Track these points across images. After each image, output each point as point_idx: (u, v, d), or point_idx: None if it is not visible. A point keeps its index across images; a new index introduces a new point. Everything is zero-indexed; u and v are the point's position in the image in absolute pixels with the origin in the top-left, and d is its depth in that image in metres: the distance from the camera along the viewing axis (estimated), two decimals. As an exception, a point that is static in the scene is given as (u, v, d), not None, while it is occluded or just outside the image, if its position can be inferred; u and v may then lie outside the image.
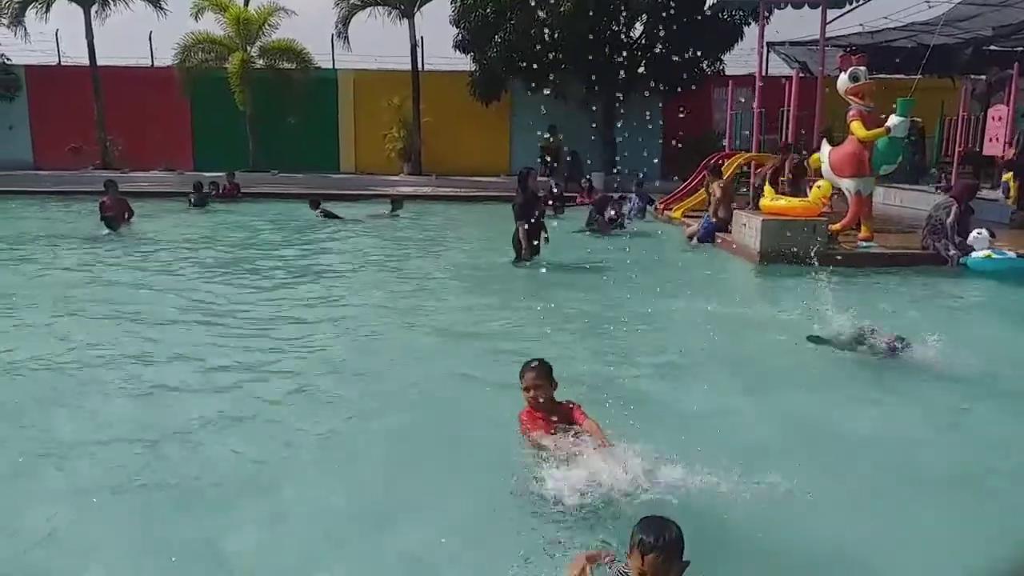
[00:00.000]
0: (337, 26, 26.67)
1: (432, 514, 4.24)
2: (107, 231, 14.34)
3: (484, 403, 5.71)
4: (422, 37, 26.64)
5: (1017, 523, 4.27)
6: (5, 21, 26.46)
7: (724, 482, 4.22)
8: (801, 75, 18.57)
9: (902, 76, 21.01)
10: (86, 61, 26.68)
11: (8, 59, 27.18)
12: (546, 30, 22.40)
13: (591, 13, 21.88)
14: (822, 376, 6.68)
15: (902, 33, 21.27)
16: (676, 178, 20.95)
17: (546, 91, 22.69)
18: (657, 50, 23.12)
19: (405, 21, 25.98)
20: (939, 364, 6.57)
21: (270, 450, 5.09)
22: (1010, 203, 14.89)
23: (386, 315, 8.84)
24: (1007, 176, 15.12)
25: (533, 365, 4.65)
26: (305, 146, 26.49)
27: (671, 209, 17.61)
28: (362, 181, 24.75)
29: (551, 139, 24.93)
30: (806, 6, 16.72)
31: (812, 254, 11.01)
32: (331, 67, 27.93)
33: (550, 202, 18.17)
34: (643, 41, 24.55)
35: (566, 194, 19.73)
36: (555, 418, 4.58)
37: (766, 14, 17.53)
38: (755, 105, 17.40)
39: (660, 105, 24.61)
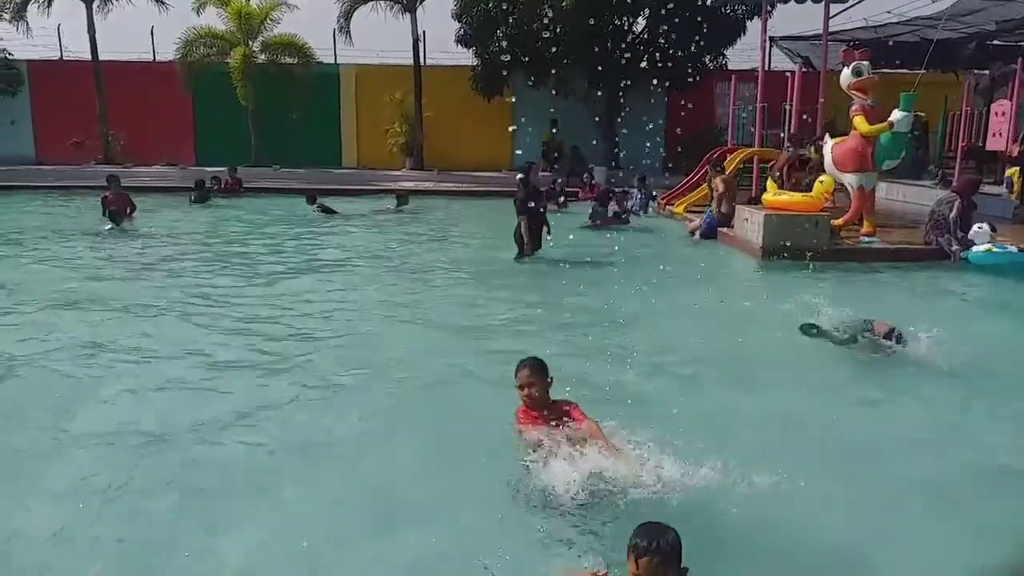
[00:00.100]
0: (339, 20, 26.63)
1: (431, 514, 4.24)
2: (110, 226, 14.36)
3: (484, 400, 5.69)
4: (424, 32, 26.64)
5: (1017, 523, 4.26)
6: (7, 16, 26.47)
7: (724, 481, 4.22)
8: (804, 70, 18.53)
9: (905, 71, 20.96)
10: (88, 56, 26.67)
11: (10, 54, 27.17)
12: (548, 24, 22.38)
13: (593, 7, 21.82)
14: (823, 373, 6.67)
15: (905, 28, 21.20)
16: (669, 173, 21.00)
17: (548, 86, 22.70)
18: (660, 45, 23.09)
19: (407, 15, 25.92)
20: (940, 360, 6.55)
21: (268, 449, 5.09)
22: (1014, 198, 14.87)
23: (387, 310, 8.84)
24: (1011, 171, 15.09)
25: (526, 363, 4.63)
26: (307, 141, 26.47)
27: (673, 204, 17.60)
28: (364, 176, 24.73)
29: (553, 133, 24.91)
30: (809, 0, 16.69)
31: (814, 249, 11.05)
32: (333, 62, 27.90)
33: (561, 199, 18.25)
34: (645, 36, 24.51)
35: (568, 189, 19.74)
36: (551, 416, 4.56)
37: (768, 8, 17.47)
38: (758, 100, 17.35)
39: (663, 100, 24.58)
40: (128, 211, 15.26)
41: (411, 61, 26.32)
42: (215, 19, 26.57)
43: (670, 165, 23.56)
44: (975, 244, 11.09)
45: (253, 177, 22.62)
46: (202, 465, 4.83)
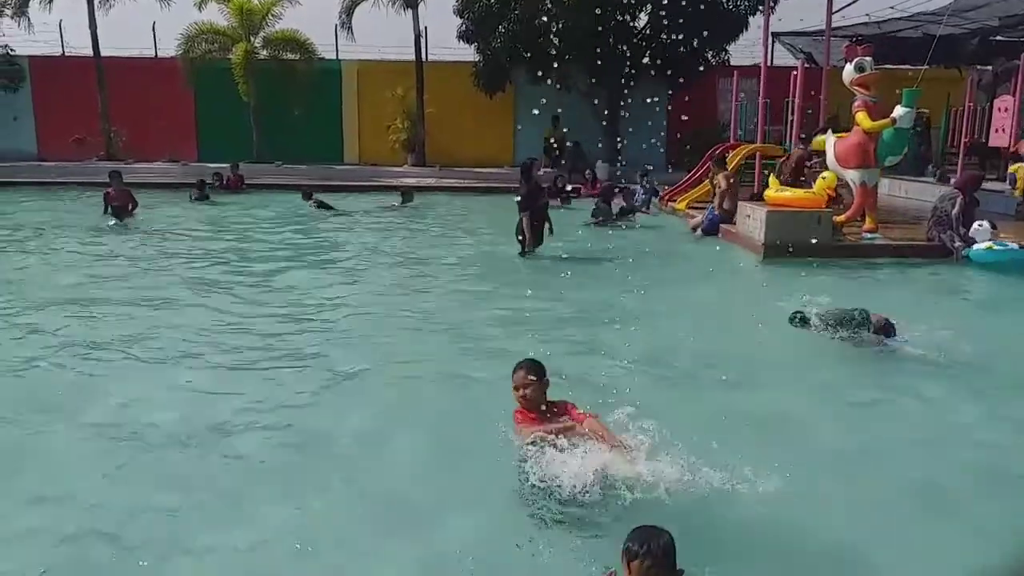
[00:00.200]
0: (341, 16, 26.58)
1: (431, 513, 4.25)
2: (112, 221, 14.39)
3: (483, 399, 5.68)
4: (426, 27, 26.59)
5: (1017, 523, 4.26)
6: (9, 12, 26.48)
7: (724, 480, 4.22)
8: (806, 65, 18.48)
9: (908, 67, 20.89)
10: (90, 52, 26.64)
11: (12, 50, 27.13)
12: (550, 20, 22.32)
13: (595, 2, 21.78)
14: (824, 371, 6.67)
15: (908, 23, 21.13)
16: (673, 168, 20.95)
17: (550, 81, 22.65)
18: (662, 40, 23.04)
19: (409, 11, 25.86)
20: (940, 359, 6.57)
21: (268, 449, 5.09)
22: (1017, 194, 14.82)
23: (387, 306, 8.85)
24: (1014, 167, 15.05)
25: (523, 364, 4.63)
26: (309, 137, 26.44)
27: (675, 200, 17.57)
28: (366, 172, 24.73)
29: (555, 130, 24.87)
30: (811, -4, 16.65)
31: (816, 246, 11.04)
32: (335, 58, 27.86)
33: (564, 195, 18.24)
34: (648, 31, 24.46)
35: (569, 185, 19.71)
36: (548, 416, 4.56)
37: (771, 3, 17.42)
38: (760, 96, 17.31)
39: (665, 95, 24.54)
40: (130, 207, 15.27)
41: (413, 57, 26.29)
42: (217, 15, 26.59)
43: (673, 161, 23.58)
44: (976, 241, 11.07)
45: (255, 173, 22.60)
46: (201, 464, 4.85)
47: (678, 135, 23.79)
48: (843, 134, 12.83)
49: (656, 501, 4.01)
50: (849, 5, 17.15)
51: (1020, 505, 4.47)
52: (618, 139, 24.50)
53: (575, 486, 4.13)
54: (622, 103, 24.05)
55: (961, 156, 17.06)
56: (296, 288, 9.76)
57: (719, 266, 11.76)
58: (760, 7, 21.84)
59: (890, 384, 6.31)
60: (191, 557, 3.88)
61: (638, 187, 17.58)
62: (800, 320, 7.16)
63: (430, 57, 27.19)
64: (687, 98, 21.36)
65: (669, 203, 17.69)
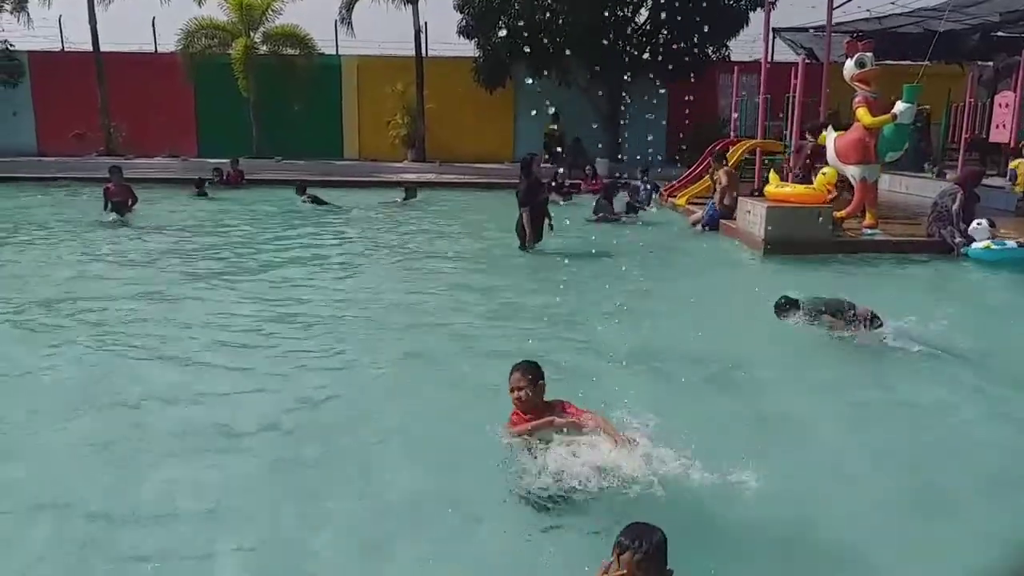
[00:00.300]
0: (341, 11, 26.60)
1: (431, 512, 4.25)
2: (112, 217, 14.39)
3: (483, 395, 5.65)
4: (426, 23, 26.57)
5: (1017, 523, 4.25)
6: (8, 7, 26.45)
7: (723, 480, 4.21)
8: (807, 61, 18.42)
9: (909, 62, 20.86)
10: (89, 47, 26.61)
11: (11, 45, 27.09)
12: (551, 16, 22.29)
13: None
14: (824, 370, 6.65)
15: (909, 19, 21.07)
16: (677, 164, 20.91)
17: (549, 75, 22.62)
18: (662, 36, 23.00)
19: (409, 6, 25.85)
20: (941, 358, 6.56)
21: (265, 446, 5.09)
22: (1018, 190, 14.80)
23: (386, 302, 8.84)
24: (1015, 163, 15.02)
25: (518, 366, 4.62)
26: (309, 132, 26.44)
27: (676, 196, 17.56)
28: (366, 168, 24.72)
29: (555, 126, 24.85)
30: (812, -9, 16.60)
31: (816, 242, 11.03)
32: (335, 53, 27.83)
33: (565, 191, 18.21)
34: (648, 27, 24.41)
35: (570, 181, 19.70)
36: (545, 416, 4.55)
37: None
38: (760, 92, 17.27)
39: (665, 91, 24.49)
40: (130, 202, 15.25)
41: (413, 52, 26.26)
42: (216, 10, 26.57)
43: (676, 158, 23.53)
44: (974, 240, 11.04)
45: (255, 169, 22.59)
46: (200, 463, 4.84)
47: (679, 130, 23.74)
48: (842, 132, 12.80)
49: (655, 499, 4.01)
50: (849, 0, 17.04)
51: (1020, 506, 4.46)
52: (619, 134, 24.51)
53: (576, 483, 4.13)
54: (622, 99, 24.03)
55: (962, 152, 17.04)
56: (296, 283, 9.76)
57: (719, 262, 11.77)
58: (760, 4, 21.81)
59: (890, 383, 6.29)
60: (192, 558, 3.88)
61: (639, 183, 17.56)
62: (786, 304, 7.09)
63: (430, 52, 27.18)
64: (687, 94, 21.31)
65: (669, 199, 17.68)
